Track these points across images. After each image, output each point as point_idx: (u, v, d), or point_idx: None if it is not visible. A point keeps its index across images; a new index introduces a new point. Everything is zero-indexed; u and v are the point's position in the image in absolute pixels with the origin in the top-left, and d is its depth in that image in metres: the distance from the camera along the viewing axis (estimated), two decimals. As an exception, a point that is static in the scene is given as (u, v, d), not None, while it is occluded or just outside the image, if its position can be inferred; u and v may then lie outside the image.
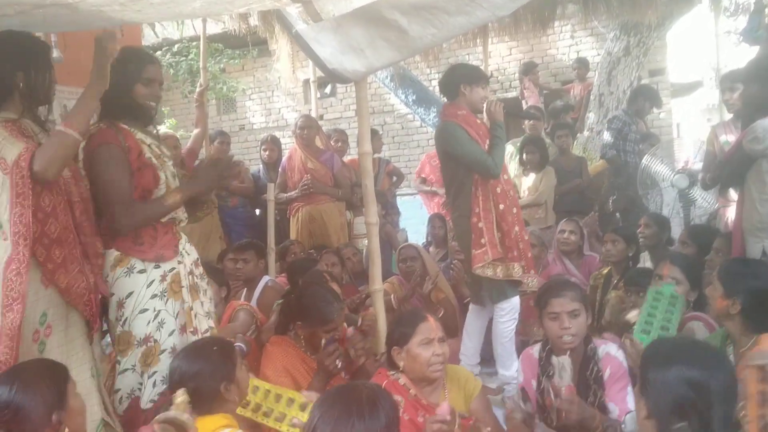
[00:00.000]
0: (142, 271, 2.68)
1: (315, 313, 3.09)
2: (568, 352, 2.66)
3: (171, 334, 2.70)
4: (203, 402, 2.20)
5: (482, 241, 3.77)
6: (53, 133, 2.36)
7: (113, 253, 2.67)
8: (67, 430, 1.95)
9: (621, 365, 2.73)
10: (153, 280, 2.69)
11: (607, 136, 6.37)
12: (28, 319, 2.31)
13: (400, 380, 2.72)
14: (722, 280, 2.69)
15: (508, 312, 3.84)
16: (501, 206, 3.83)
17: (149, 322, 2.67)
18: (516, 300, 3.85)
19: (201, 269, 2.94)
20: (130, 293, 2.65)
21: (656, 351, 1.94)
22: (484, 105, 3.99)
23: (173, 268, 2.76)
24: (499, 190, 3.85)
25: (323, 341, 2.92)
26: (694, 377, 1.76)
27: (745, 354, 2.57)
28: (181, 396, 2.05)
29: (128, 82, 2.72)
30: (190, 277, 2.82)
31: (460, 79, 3.93)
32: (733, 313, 2.64)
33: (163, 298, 2.71)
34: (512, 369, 3.74)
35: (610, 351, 2.76)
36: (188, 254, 2.87)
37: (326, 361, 2.77)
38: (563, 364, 2.52)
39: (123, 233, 2.64)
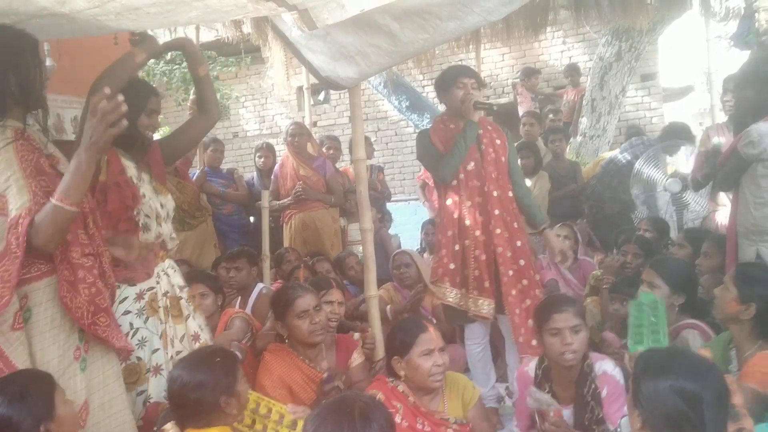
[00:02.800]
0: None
1: (279, 302, 3.15)
2: (533, 387, 2.67)
3: (155, 352, 2.67)
4: (202, 414, 2.17)
5: (441, 252, 3.68)
6: (54, 210, 2.13)
7: None
8: None
9: (618, 384, 2.72)
10: (126, 297, 2.65)
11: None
12: (68, 339, 2.25)
13: (399, 387, 2.74)
14: (738, 284, 2.68)
15: (475, 334, 3.73)
16: (467, 221, 3.60)
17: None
18: (477, 325, 3.70)
19: (184, 293, 2.89)
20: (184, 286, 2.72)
21: (647, 362, 1.92)
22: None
23: (152, 288, 2.73)
24: (469, 204, 3.62)
25: (324, 375, 2.90)
26: (686, 388, 1.74)
27: (748, 359, 2.58)
28: (171, 429, 2.06)
29: (133, 112, 2.64)
30: (164, 299, 2.78)
31: (436, 90, 3.85)
32: (744, 319, 2.64)
33: (141, 316, 2.67)
34: (488, 385, 3.70)
35: (606, 369, 2.74)
36: (167, 276, 2.84)
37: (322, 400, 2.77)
38: (536, 397, 2.54)
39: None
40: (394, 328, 2.92)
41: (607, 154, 6.95)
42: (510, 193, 3.69)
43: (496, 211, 3.60)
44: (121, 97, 2.13)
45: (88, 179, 2.20)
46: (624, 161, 6.18)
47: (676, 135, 6.29)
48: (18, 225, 2.09)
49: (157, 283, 2.76)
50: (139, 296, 2.69)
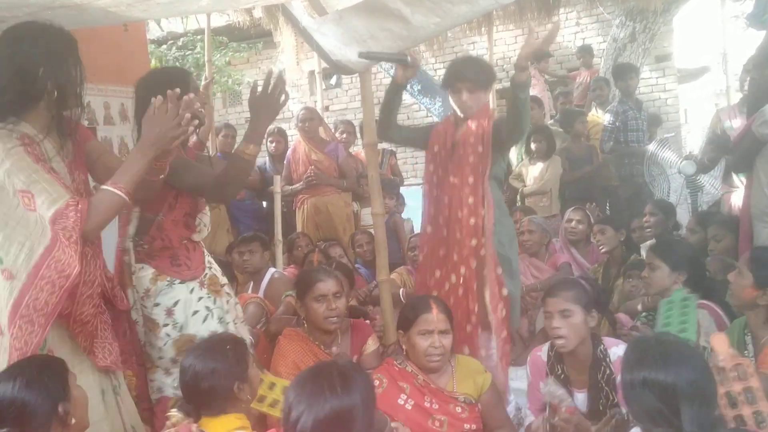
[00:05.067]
0: (182, 282, 2.75)
1: (302, 282, 3.18)
2: (552, 379, 2.66)
3: (235, 325, 2.86)
4: (217, 402, 2.18)
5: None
6: (104, 193, 2.14)
7: (149, 269, 2.70)
8: (74, 420, 1.95)
9: None
10: (193, 288, 2.76)
11: (605, 128, 6.37)
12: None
13: (407, 368, 2.77)
14: (753, 269, 2.64)
15: None
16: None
17: (205, 320, 2.74)
18: None
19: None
20: (177, 301, 2.71)
21: (627, 356, 1.91)
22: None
23: (206, 274, 2.84)
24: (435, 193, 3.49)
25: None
26: (658, 382, 1.72)
27: (764, 346, 2.56)
28: (175, 416, 2.08)
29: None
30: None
31: None
32: (762, 304, 2.60)
33: (210, 299, 2.79)
34: None
35: (621, 354, 2.71)
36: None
37: None
38: (552, 392, 2.53)
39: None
40: (406, 302, 2.98)
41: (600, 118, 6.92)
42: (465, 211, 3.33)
43: (445, 232, 3.42)
44: (190, 96, 2.16)
45: (142, 173, 2.20)
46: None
47: (621, 77, 6.30)
48: (68, 215, 2.04)
49: (209, 269, 2.87)
50: (201, 283, 2.80)
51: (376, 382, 2.70)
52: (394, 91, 3.49)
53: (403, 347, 2.79)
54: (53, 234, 2.05)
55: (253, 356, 2.47)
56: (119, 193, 2.13)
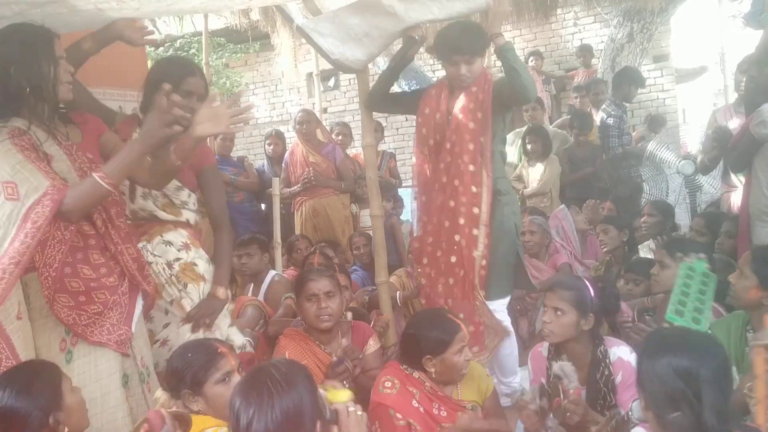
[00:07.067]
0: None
1: (297, 282, 3.21)
2: (566, 358, 2.67)
3: (166, 326, 2.85)
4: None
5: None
6: (89, 181, 2.22)
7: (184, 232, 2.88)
8: (66, 429, 1.93)
9: (633, 371, 2.65)
10: None
11: (611, 131, 6.35)
12: (54, 330, 2.27)
13: (414, 374, 2.75)
14: (757, 270, 2.61)
15: None
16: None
17: None
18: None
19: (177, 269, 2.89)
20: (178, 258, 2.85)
21: (648, 343, 1.93)
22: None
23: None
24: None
25: (333, 358, 2.91)
26: (682, 366, 1.74)
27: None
28: (162, 396, 2.08)
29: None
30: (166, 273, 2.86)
31: None
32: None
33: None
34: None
35: (622, 356, 2.71)
36: (158, 255, 2.84)
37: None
38: (564, 369, 2.51)
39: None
40: (426, 326, 2.78)
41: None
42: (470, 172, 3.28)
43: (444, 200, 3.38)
44: (177, 97, 2.21)
45: (133, 166, 2.31)
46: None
47: (628, 81, 6.33)
48: (44, 203, 2.14)
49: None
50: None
51: (388, 384, 2.72)
52: (403, 65, 3.61)
53: (432, 370, 2.71)
54: (17, 227, 2.11)
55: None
56: (102, 183, 2.21)
